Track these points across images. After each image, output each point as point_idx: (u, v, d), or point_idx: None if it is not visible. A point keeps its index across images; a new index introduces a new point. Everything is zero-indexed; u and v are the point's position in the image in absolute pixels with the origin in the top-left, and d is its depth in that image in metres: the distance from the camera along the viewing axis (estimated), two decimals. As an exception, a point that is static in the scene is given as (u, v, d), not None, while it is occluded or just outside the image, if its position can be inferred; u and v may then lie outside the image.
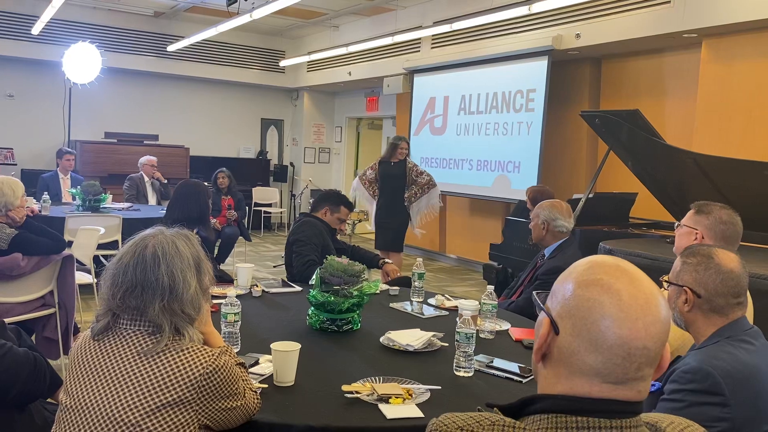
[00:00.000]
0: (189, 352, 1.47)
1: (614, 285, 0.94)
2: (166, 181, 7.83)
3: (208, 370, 1.46)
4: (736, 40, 5.30)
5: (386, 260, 3.98)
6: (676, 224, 2.66)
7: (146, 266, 1.49)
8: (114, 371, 1.45)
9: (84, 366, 1.48)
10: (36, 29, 8.51)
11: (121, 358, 1.46)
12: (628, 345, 0.91)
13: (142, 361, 1.45)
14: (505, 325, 2.72)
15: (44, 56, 9.02)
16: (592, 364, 0.92)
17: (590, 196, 5.23)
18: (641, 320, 0.91)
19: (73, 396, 1.46)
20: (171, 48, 9.54)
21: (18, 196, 3.57)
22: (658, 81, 6.36)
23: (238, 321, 2.24)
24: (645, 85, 6.47)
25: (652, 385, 1.90)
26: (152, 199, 7.60)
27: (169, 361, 1.45)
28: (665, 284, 1.99)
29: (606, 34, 6.05)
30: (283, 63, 10.52)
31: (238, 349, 2.23)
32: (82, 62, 8.19)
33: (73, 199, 6.63)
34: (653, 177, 5.05)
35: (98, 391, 1.44)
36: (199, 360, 1.46)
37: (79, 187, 6.47)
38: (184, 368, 1.44)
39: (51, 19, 7.95)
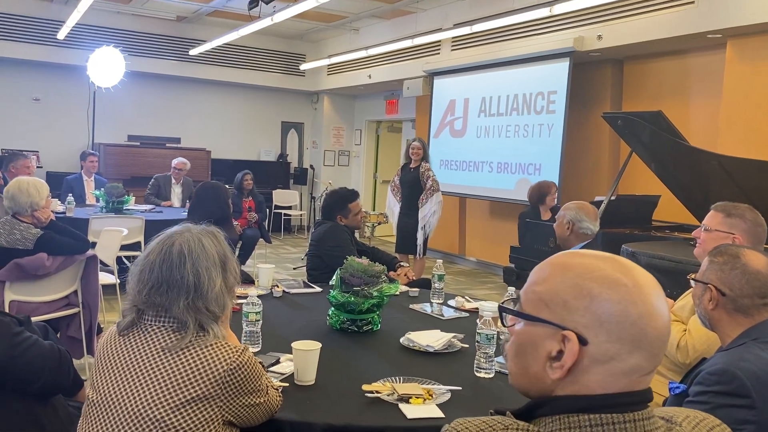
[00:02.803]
0: (213, 348, 1.48)
1: (635, 280, 0.93)
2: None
3: (232, 366, 1.47)
4: (763, 40, 5.21)
5: (402, 263, 3.98)
6: (702, 227, 2.61)
7: (172, 264, 1.50)
8: (139, 367, 1.46)
9: (110, 361, 1.50)
10: (61, 34, 8.65)
11: (146, 354, 1.47)
12: (663, 335, 0.92)
13: (166, 357, 1.46)
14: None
15: (69, 60, 9.17)
16: (636, 362, 0.91)
17: (612, 198, 5.17)
18: (660, 309, 0.92)
19: (99, 391, 1.48)
20: (193, 52, 9.64)
21: (43, 196, 3.63)
22: (681, 82, 6.28)
23: (259, 320, 2.25)
24: (668, 86, 6.39)
25: (677, 387, 1.89)
26: (176, 201, 7.66)
27: (193, 357, 1.46)
28: (692, 281, 1.97)
29: (628, 35, 5.99)
30: (303, 66, 10.58)
31: (259, 348, 2.24)
32: (106, 66, 8.29)
33: (97, 200, 6.72)
34: (677, 179, 4.99)
35: (123, 386, 1.45)
36: (224, 356, 1.47)
37: (102, 188, 6.55)
38: (209, 364, 1.45)
39: (76, 24, 8.08)
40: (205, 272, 1.53)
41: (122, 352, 1.50)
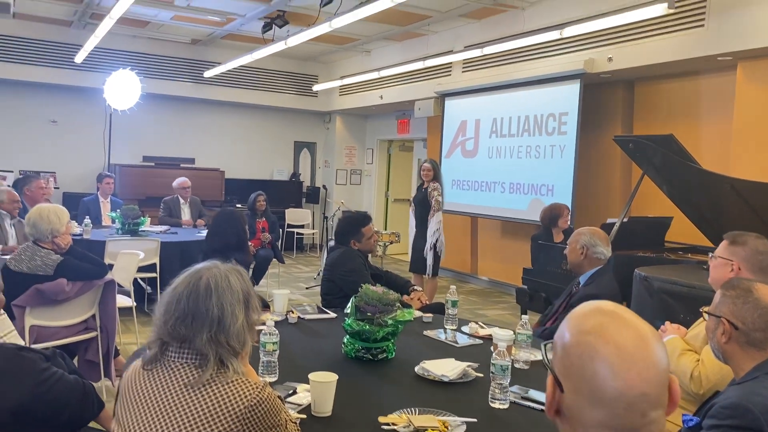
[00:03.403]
0: (234, 385, 1.52)
1: (604, 337, 0.96)
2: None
3: (252, 403, 1.50)
4: (773, 62, 5.24)
5: (415, 287, 4.01)
6: (710, 255, 2.64)
7: (198, 296, 1.55)
8: (162, 403, 1.50)
9: (134, 396, 1.54)
10: (79, 58, 8.82)
11: (169, 390, 1.51)
12: (626, 395, 0.93)
13: (189, 393, 1.50)
14: (540, 355, 2.72)
15: (86, 83, 9.34)
16: (599, 418, 0.94)
17: (625, 220, 5.18)
18: (634, 368, 0.93)
19: (124, 427, 1.52)
20: (207, 74, 9.78)
21: (63, 223, 3.70)
22: (692, 103, 6.30)
23: (276, 350, 2.29)
24: (679, 107, 6.42)
25: (690, 419, 1.90)
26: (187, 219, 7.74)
27: (215, 393, 1.50)
28: (705, 315, 1.99)
29: (638, 57, 6.03)
30: (316, 87, 10.70)
31: (275, 378, 2.27)
32: (122, 89, 8.44)
33: (113, 222, 6.81)
34: (689, 201, 5.00)
35: (148, 422, 1.49)
36: (245, 393, 1.51)
37: (118, 210, 6.64)
38: (230, 401, 1.49)
39: (93, 48, 8.24)
40: (229, 307, 1.58)
41: (146, 388, 1.54)
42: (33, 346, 3.27)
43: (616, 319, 1.00)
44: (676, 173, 4.76)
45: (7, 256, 4.48)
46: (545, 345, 1.12)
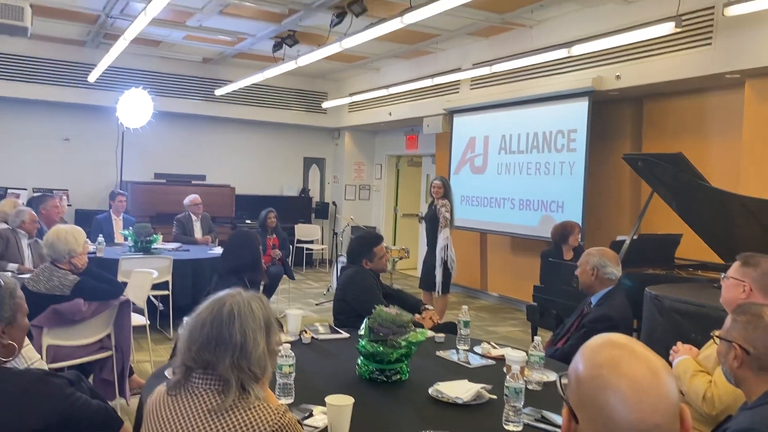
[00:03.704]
0: (256, 411, 1.56)
1: (617, 370, 1.01)
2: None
3: (274, 428, 1.54)
4: (781, 80, 5.27)
5: (427, 306, 4.04)
6: (722, 276, 2.67)
7: (222, 323, 1.60)
8: (187, 429, 1.54)
9: (159, 422, 1.58)
10: (92, 77, 8.95)
11: (193, 416, 1.55)
12: (640, 428, 0.97)
13: (212, 420, 1.54)
14: (553, 376, 2.74)
15: (99, 102, 9.48)
16: None
17: (635, 237, 5.20)
18: (647, 401, 0.97)
19: (150, 453, 1.56)
20: (218, 92, 9.90)
21: (80, 243, 3.77)
22: (701, 121, 6.33)
23: (293, 373, 2.32)
24: (688, 124, 6.44)
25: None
26: (199, 235, 7.82)
27: (238, 419, 1.53)
28: (716, 339, 2.02)
29: (646, 75, 6.07)
30: (325, 104, 10.81)
31: (292, 400, 2.31)
32: (135, 107, 8.56)
33: (125, 239, 6.88)
34: (699, 219, 5.01)
35: (172, 448, 1.53)
36: (266, 418, 1.55)
37: (131, 228, 6.72)
38: (253, 426, 1.53)
39: (106, 67, 8.36)
40: (251, 333, 1.62)
41: (171, 413, 1.58)
42: (51, 365, 3.32)
43: (629, 352, 1.04)
44: (686, 191, 4.78)
45: (24, 276, 4.56)
46: (560, 377, 1.16)
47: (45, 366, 2.84)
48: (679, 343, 2.71)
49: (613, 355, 1.04)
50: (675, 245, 5.67)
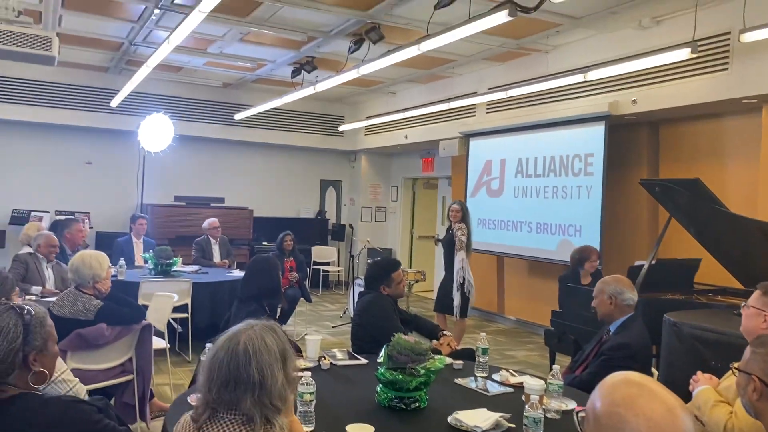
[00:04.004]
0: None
1: (634, 408, 1.04)
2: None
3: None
4: (799, 105, 5.26)
5: (444, 332, 4.05)
6: (742, 304, 2.67)
7: (239, 363, 1.63)
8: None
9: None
10: (115, 102, 9.14)
11: (221, 447, 1.59)
12: None
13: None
14: (572, 404, 2.74)
15: (121, 126, 9.67)
16: None
17: (653, 262, 5.18)
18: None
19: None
20: (238, 116, 10.06)
21: (104, 268, 3.84)
22: (718, 145, 6.32)
23: (313, 400, 2.35)
24: (705, 149, 6.44)
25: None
26: (217, 259, 7.91)
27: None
28: (735, 371, 2.02)
29: (663, 100, 6.09)
30: (342, 128, 10.92)
31: (312, 428, 2.33)
32: (156, 132, 8.71)
33: (145, 262, 6.98)
34: (717, 244, 4.99)
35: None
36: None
37: (151, 251, 6.81)
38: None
39: (129, 92, 8.55)
40: (268, 369, 1.65)
41: (198, 444, 1.61)
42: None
43: (645, 390, 1.06)
44: (704, 217, 4.77)
45: (47, 299, 4.65)
46: (577, 413, 1.19)
47: (83, 388, 2.90)
48: (699, 373, 2.70)
49: (630, 393, 1.06)
50: (694, 270, 5.63)
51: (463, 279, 6.41)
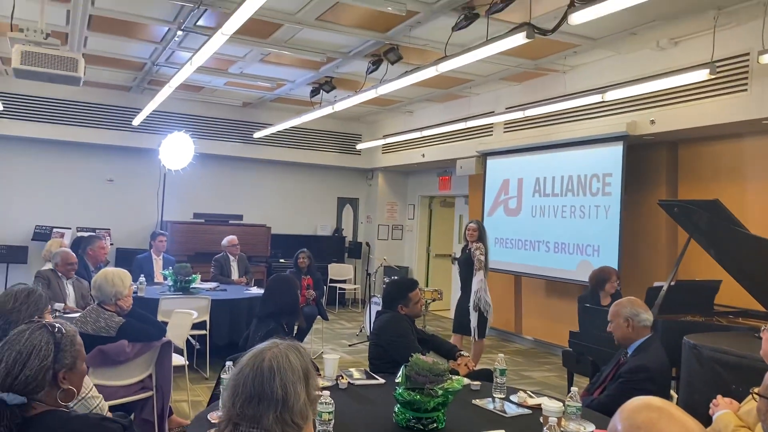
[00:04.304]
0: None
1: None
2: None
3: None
4: (820, 125, 5.23)
5: (462, 352, 4.05)
6: (763, 328, 2.66)
7: (263, 379, 1.66)
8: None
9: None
10: (137, 121, 9.31)
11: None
12: None
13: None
14: (590, 427, 2.73)
15: (143, 144, 9.83)
16: None
17: (672, 283, 5.14)
18: None
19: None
20: (257, 135, 10.18)
21: (126, 286, 3.91)
22: (738, 166, 6.29)
23: (332, 420, 2.37)
24: (724, 169, 6.40)
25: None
26: (236, 276, 7.98)
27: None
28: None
29: (681, 120, 6.08)
30: (359, 146, 11.01)
31: (331, 448, 2.35)
32: (176, 150, 8.84)
33: (165, 279, 7.05)
34: (737, 265, 4.95)
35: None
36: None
37: (171, 268, 6.89)
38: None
39: (150, 111, 8.70)
40: (292, 387, 1.68)
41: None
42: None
43: (665, 415, 1.08)
44: (724, 238, 4.74)
45: (69, 315, 4.72)
46: None
47: (106, 405, 2.95)
48: (719, 397, 2.68)
49: (650, 417, 1.08)
50: (714, 291, 5.58)
51: (479, 299, 6.37)
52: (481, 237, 6.56)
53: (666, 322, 4.73)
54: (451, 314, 7.08)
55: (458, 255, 7.02)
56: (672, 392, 3.41)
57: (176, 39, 6.62)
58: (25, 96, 9.16)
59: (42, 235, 9.28)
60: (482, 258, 6.43)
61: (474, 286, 6.40)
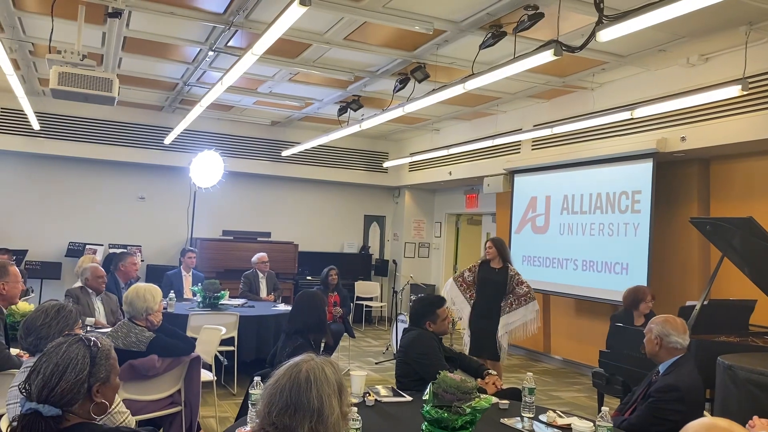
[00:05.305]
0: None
1: None
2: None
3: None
4: None
5: (490, 371, 4.00)
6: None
7: (300, 389, 1.68)
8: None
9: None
10: (168, 140, 9.49)
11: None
12: None
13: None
14: (621, 448, 2.68)
15: (174, 163, 10.01)
16: None
17: (705, 303, 5.04)
18: None
19: None
20: (285, 153, 10.30)
21: (157, 301, 3.96)
22: (772, 182, 6.16)
23: (359, 436, 2.37)
24: (758, 186, 6.28)
25: None
26: (264, 293, 8.04)
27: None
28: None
29: (713, 137, 5.99)
30: (386, 164, 11.05)
31: (359, 464, 2.34)
32: (206, 168, 8.98)
33: (194, 295, 7.13)
34: (773, 284, 4.84)
35: None
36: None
37: (200, 284, 6.97)
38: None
39: (181, 130, 8.87)
40: (327, 399, 1.69)
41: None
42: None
43: None
44: (758, 256, 4.64)
45: (102, 330, 4.80)
46: None
47: (134, 420, 2.98)
48: (755, 418, 2.62)
49: None
50: (749, 311, 5.45)
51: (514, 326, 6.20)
52: (505, 256, 6.24)
53: (700, 341, 4.63)
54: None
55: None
56: (706, 413, 3.33)
57: (207, 59, 6.76)
58: (61, 116, 9.41)
59: (75, 251, 9.48)
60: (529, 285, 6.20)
61: (528, 315, 6.12)
